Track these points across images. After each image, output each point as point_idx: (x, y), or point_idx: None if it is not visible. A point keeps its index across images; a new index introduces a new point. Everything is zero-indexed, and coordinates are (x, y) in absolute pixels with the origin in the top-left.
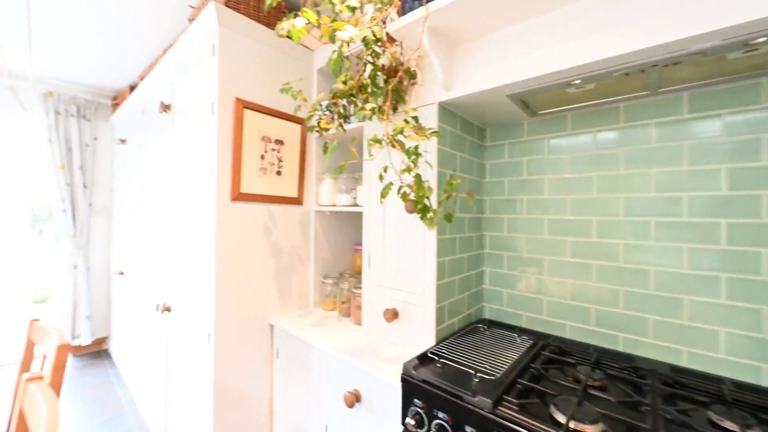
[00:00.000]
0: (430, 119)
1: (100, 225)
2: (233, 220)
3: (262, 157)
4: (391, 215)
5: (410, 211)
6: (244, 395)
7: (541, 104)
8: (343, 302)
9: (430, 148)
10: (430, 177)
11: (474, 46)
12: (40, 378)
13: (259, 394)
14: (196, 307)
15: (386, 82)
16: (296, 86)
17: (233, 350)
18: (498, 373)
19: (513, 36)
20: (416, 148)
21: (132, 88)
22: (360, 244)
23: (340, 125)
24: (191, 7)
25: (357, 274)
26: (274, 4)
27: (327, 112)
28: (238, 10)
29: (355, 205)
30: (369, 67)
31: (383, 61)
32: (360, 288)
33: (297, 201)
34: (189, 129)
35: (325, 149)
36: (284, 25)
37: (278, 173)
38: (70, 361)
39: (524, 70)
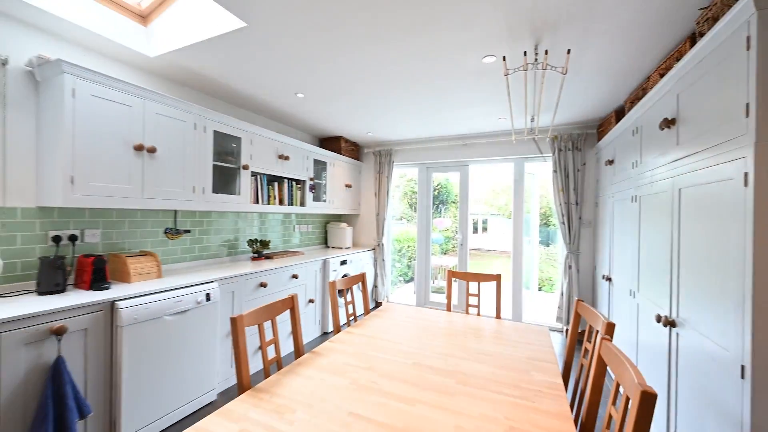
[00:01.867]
0: None
1: (586, 235)
2: None
3: None
4: None
5: None
6: None
7: None
8: None
9: None
10: None
11: None
12: (609, 339)
13: None
14: (716, 332)
15: None
16: None
17: None
18: None
19: None
20: None
21: (617, 112)
22: None
23: None
24: (702, 9)
25: None
26: None
27: None
28: None
29: None
30: None
31: None
32: None
33: None
34: (705, 137)
35: None
36: None
37: None
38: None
39: None
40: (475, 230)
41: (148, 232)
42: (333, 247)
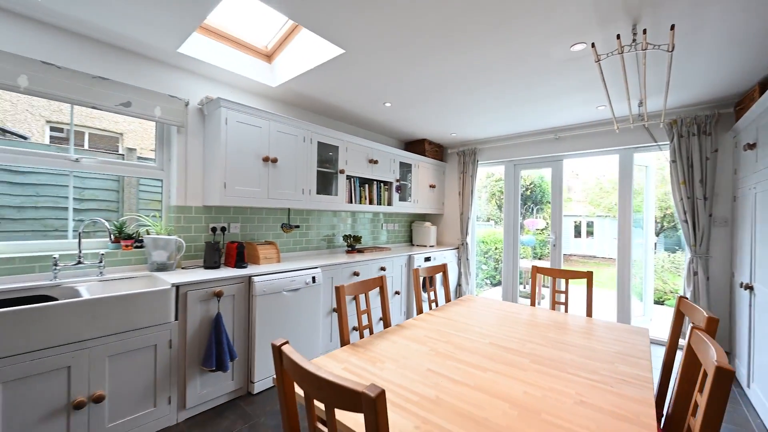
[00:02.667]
0: None
1: (720, 236)
2: None
3: None
4: None
5: None
6: None
7: None
8: None
9: None
10: None
11: None
12: (702, 329)
13: None
14: None
15: None
16: None
17: None
18: None
19: None
20: None
21: (761, 85)
22: None
23: None
24: None
25: None
26: None
27: None
28: None
29: None
30: None
31: None
32: None
33: None
34: None
35: None
36: None
37: None
38: None
39: None
40: (578, 234)
41: (269, 226)
42: (417, 245)
